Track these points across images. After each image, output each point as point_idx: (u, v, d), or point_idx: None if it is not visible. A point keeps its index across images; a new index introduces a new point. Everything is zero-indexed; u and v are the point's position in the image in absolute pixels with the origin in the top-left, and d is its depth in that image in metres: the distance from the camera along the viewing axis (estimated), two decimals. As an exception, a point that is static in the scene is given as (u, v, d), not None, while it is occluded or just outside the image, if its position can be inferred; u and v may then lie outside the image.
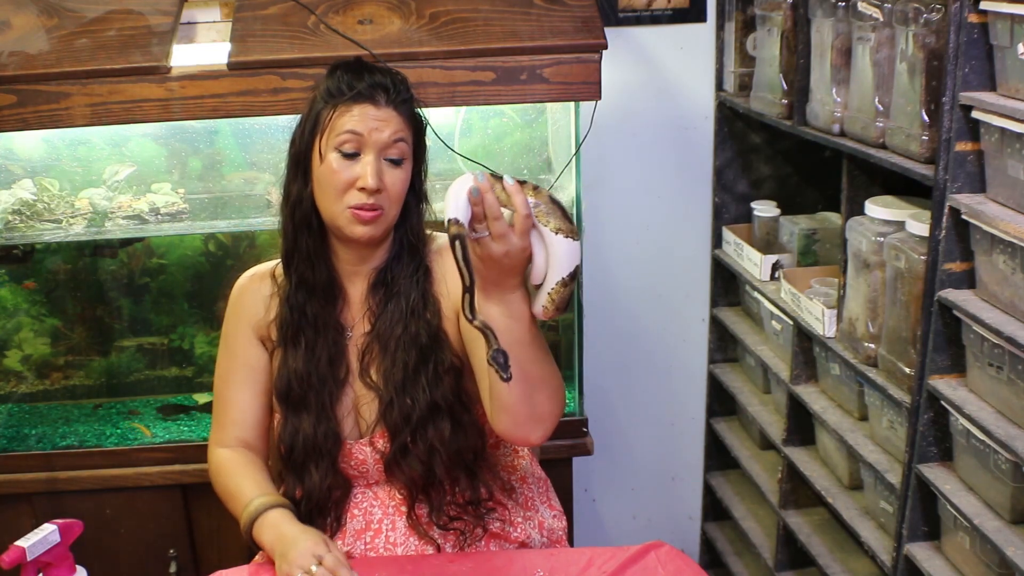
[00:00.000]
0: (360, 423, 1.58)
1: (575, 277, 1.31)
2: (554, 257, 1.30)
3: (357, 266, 1.58)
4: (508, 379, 1.28)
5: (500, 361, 1.27)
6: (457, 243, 1.26)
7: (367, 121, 1.47)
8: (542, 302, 1.32)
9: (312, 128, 1.51)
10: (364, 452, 1.57)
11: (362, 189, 1.47)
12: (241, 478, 1.57)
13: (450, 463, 1.55)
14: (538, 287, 1.34)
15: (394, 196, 1.50)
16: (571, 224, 1.30)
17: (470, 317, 1.29)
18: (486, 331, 1.29)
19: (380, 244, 1.57)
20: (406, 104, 1.51)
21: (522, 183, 1.30)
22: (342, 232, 1.51)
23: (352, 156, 1.47)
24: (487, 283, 1.33)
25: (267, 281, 1.62)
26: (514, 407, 1.41)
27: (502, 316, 1.34)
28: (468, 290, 1.28)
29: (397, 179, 1.50)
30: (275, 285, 1.61)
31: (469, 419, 1.55)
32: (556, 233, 1.29)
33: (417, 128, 1.55)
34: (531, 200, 1.29)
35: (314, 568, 1.37)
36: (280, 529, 1.46)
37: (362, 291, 1.59)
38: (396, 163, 1.50)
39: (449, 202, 1.28)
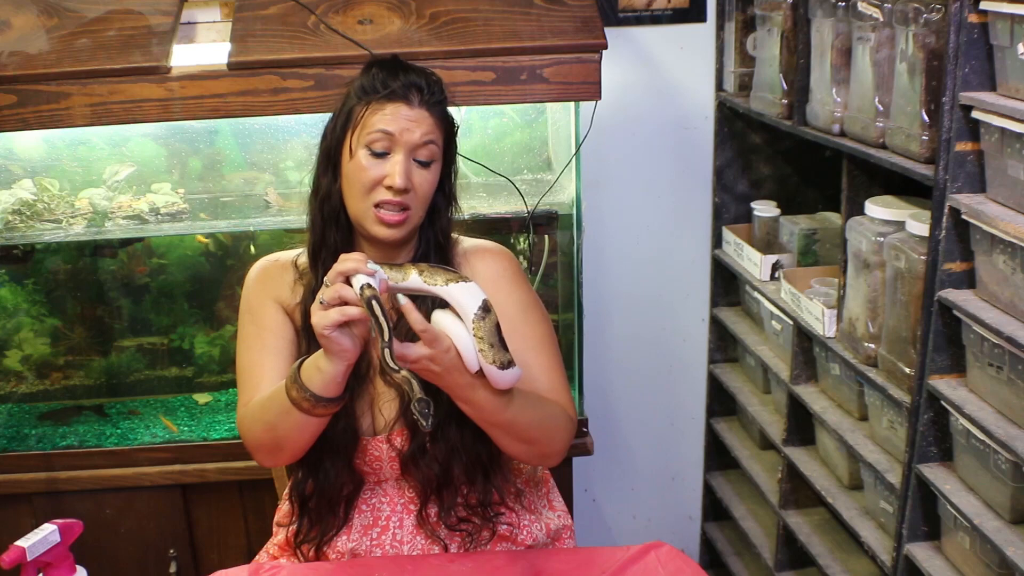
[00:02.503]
0: (378, 420, 1.57)
1: (488, 309, 1.31)
2: (457, 307, 1.33)
3: None
4: (428, 428, 1.32)
5: (424, 411, 1.31)
6: (374, 302, 1.29)
7: (399, 121, 1.46)
8: (477, 348, 1.32)
9: (344, 123, 1.51)
10: (380, 449, 1.57)
11: (389, 187, 1.46)
12: (266, 395, 1.50)
13: (468, 465, 1.56)
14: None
15: (421, 197, 1.50)
16: (454, 272, 1.35)
17: (394, 368, 1.31)
18: (409, 382, 1.32)
19: (405, 244, 1.57)
20: (439, 106, 1.51)
21: (399, 266, 1.37)
22: (367, 231, 1.51)
23: (382, 155, 1.47)
24: (443, 389, 1.38)
25: (289, 269, 1.61)
26: (516, 455, 1.51)
27: (474, 412, 1.40)
28: (387, 345, 1.30)
29: (425, 180, 1.50)
30: (298, 273, 1.60)
31: None
32: (447, 284, 1.34)
33: (448, 130, 1.54)
34: (417, 276, 1.35)
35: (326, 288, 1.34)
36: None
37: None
38: (425, 165, 1.49)
39: (359, 277, 1.32)
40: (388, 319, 1.29)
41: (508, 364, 1.33)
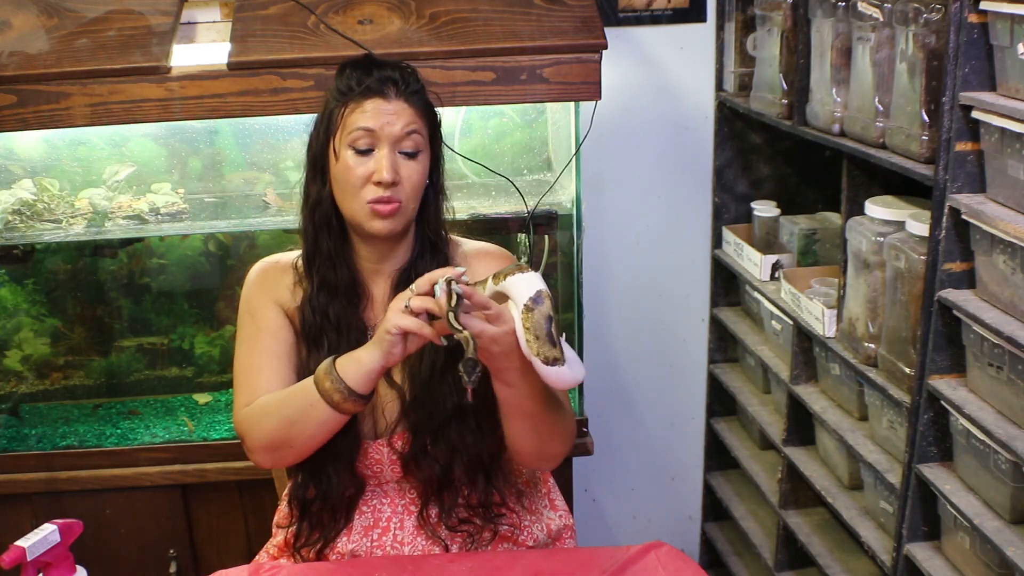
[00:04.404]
0: (379, 423, 1.57)
1: (539, 300, 1.32)
2: (512, 296, 1.35)
3: (379, 264, 1.58)
4: (471, 386, 1.31)
5: (470, 370, 1.30)
6: (453, 283, 1.33)
7: (379, 116, 1.47)
8: (523, 339, 1.33)
9: (326, 128, 1.51)
10: (381, 452, 1.57)
11: (378, 183, 1.47)
12: (286, 390, 1.52)
13: (469, 466, 1.56)
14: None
15: (411, 188, 1.50)
16: (519, 265, 1.38)
17: (458, 328, 1.31)
18: (468, 341, 1.32)
19: (401, 241, 1.57)
20: (417, 95, 1.51)
21: (481, 283, 1.41)
22: (363, 228, 1.51)
23: (366, 152, 1.48)
24: (494, 371, 1.40)
25: (289, 272, 1.61)
26: (525, 452, 1.52)
27: (512, 396, 1.41)
28: (452, 309, 1.31)
29: (413, 171, 1.50)
30: (297, 275, 1.60)
31: (490, 424, 1.54)
32: (506, 278, 1.36)
33: (431, 120, 1.54)
34: (491, 282, 1.39)
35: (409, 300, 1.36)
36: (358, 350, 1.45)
37: (385, 291, 1.58)
38: (411, 155, 1.50)
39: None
40: (455, 298, 1.32)
41: (553, 360, 1.32)
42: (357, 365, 1.42)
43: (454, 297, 1.32)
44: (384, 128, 1.47)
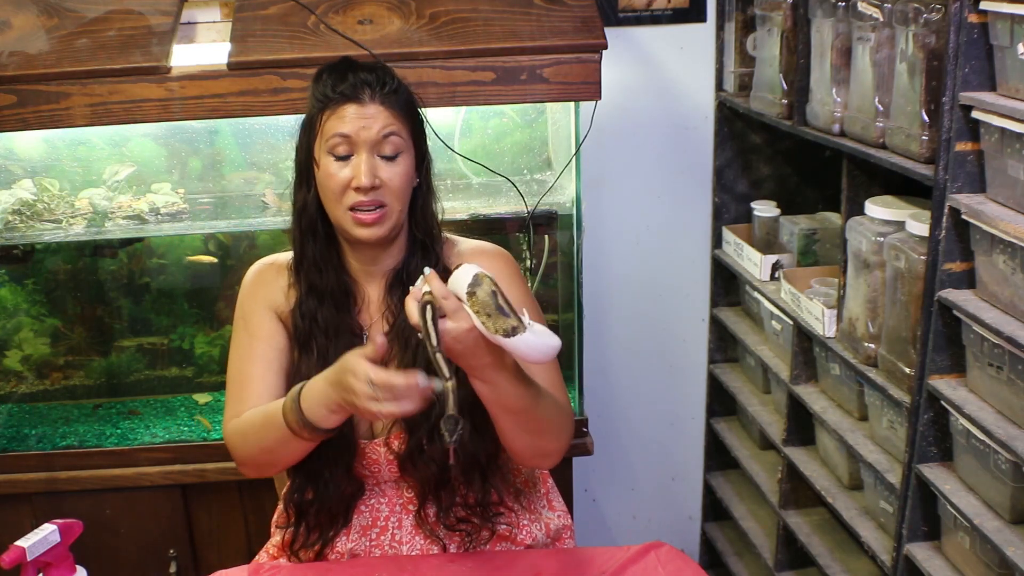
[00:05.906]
0: (375, 423, 1.57)
1: (478, 283, 1.31)
2: (457, 293, 1.33)
3: (370, 267, 1.58)
4: (452, 445, 1.28)
5: (451, 428, 1.28)
6: (428, 307, 1.29)
7: (354, 121, 1.46)
8: (480, 325, 1.31)
9: (308, 135, 1.51)
10: (378, 452, 1.57)
11: (357, 189, 1.46)
12: (265, 407, 1.51)
13: (465, 465, 1.55)
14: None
15: (395, 190, 1.49)
16: (456, 265, 1.36)
17: (446, 375, 1.29)
18: (448, 394, 1.29)
19: (392, 243, 1.56)
20: (394, 95, 1.50)
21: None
22: (349, 234, 1.51)
23: (345, 158, 1.48)
24: (467, 371, 1.36)
25: (284, 273, 1.61)
26: (518, 450, 1.49)
27: (491, 393, 1.38)
28: (438, 350, 1.29)
29: (395, 173, 1.49)
30: (291, 277, 1.60)
31: (486, 423, 1.53)
32: (448, 282, 1.34)
33: (412, 119, 1.53)
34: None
35: (369, 389, 1.32)
36: (318, 379, 1.41)
37: (379, 292, 1.58)
38: (391, 158, 1.49)
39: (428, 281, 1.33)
40: (438, 327, 1.29)
41: (513, 330, 1.30)
42: (323, 412, 1.39)
43: (434, 338, 1.29)
44: (360, 133, 1.46)
